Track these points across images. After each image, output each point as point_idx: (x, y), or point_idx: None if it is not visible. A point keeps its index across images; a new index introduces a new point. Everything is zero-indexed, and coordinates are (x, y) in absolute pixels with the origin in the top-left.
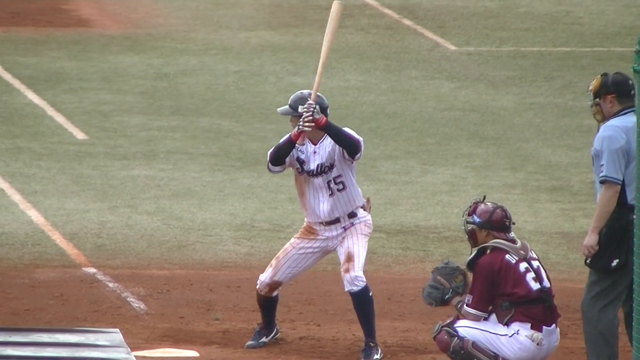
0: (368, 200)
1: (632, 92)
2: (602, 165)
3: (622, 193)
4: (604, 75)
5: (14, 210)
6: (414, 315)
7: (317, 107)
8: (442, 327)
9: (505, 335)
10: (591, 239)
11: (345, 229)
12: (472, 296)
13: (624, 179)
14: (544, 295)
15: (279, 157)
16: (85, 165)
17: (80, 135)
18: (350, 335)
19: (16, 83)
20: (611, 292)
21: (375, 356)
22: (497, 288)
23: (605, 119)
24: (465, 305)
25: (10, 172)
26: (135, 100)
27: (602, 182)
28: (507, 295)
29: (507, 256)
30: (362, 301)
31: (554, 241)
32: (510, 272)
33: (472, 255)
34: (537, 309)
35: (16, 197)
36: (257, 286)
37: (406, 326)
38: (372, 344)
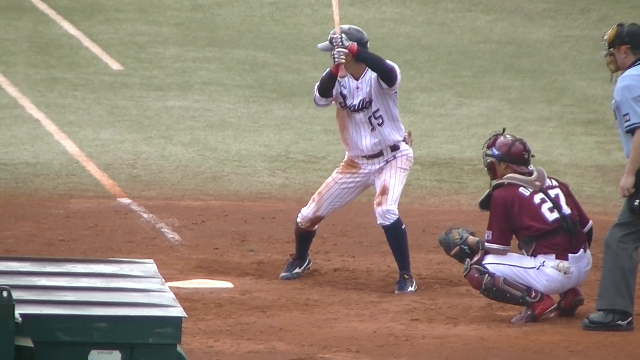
0: (409, 134)
1: None
2: (625, 115)
3: None
4: (620, 25)
5: (49, 141)
6: None
7: (344, 35)
8: (471, 265)
9: (532, 268)
10: (627, 181)
11: (387, 162)
12: (491, 231)
13: None
14: (564, 222)
15: (324, 89)
16: (120, 96)
17: (115, 66)
18: (384, 267)
19: (52, 13)
20: (637, 231)
21: (410, 288)
22: (514, 221)
23: (618, 69)
24: (486, 242)
25: (45, 103)
26: (171, 32)
27: (630, 131)
28: (525, 229)
29: (520, 189)
30: (394, 234)
31: (589, 174)
32: (525, 204)
33: (484, 195)
34: (558, 238)
35: (51, 127)
36: (298, 219)
37: (441, 258)
38: (406, 276)
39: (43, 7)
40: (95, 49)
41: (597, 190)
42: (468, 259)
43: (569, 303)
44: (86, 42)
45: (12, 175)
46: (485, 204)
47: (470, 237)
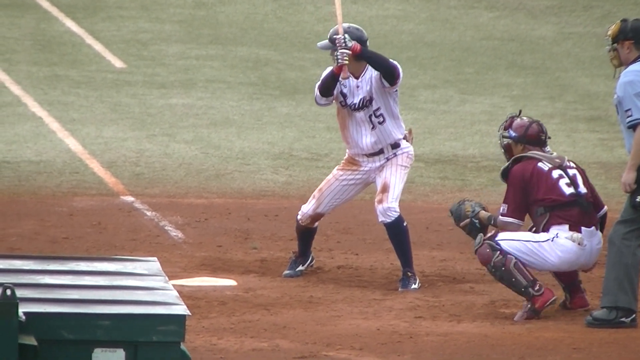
0: (410, 132)
1: None
2: (627, 110)
3: None
4: (623, 21)
5: (52, 139)
6: (452, 245)
7: (346, 35)
8: (484, 240)
9: (546, 241)
10: (629, 177)
11: (387, 159)
12: (506, 205)
13: None
14: (579, 198)
15: (326, 89)
16: (123, 93)
17: (118, 63)
18: (388, 265)
19: (54, 11)
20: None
21: (413, 285)
22: (530, 194)
23: (621, 64)
24: (500, 216)
25: (48, 100)
26: (174, 29)
27: (632, 127)
28: (540, 201)
29: (539, 164)
30: (395, 232)
31: (592, 171)
32: (542, 178)
33: (505, 165)
34: (573, 211)
35: (54, 125)
36: (299, 217)
37: (444, 255)
38: (409, 274)
39: (46, 4)
40: (98, 46)
41: (600, 187)
42: (481, 234)
43: (575, 307)
44: (89, 39)
45: (15, 173)
46: (506, 174)
47: (482, 211)
